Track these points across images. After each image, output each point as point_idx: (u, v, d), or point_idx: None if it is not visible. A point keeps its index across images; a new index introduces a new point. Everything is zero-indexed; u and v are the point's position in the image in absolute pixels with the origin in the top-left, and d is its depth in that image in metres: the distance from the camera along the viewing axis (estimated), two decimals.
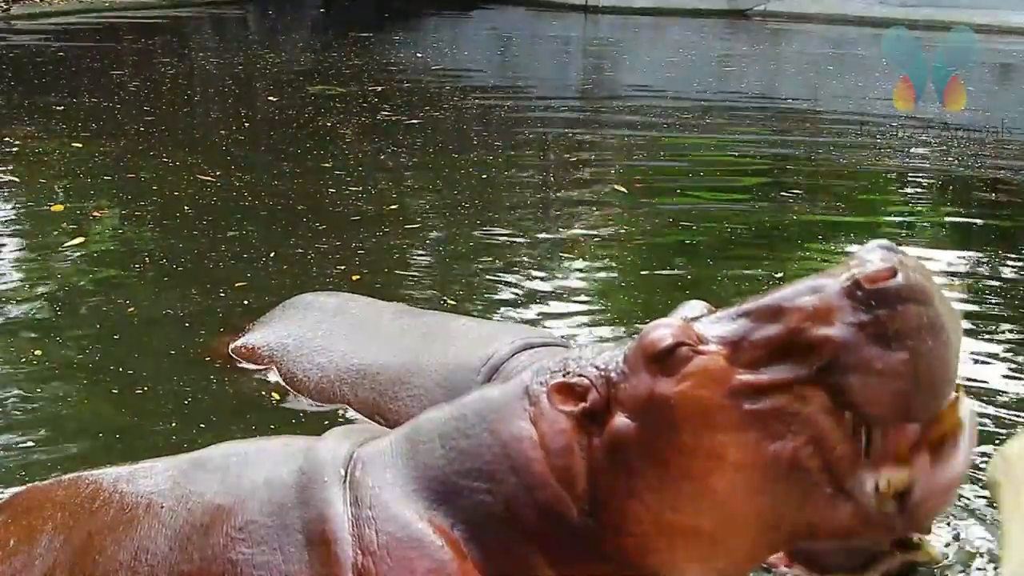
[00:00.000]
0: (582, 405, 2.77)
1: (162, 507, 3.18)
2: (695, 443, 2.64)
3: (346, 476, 3.03)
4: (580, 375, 2.81)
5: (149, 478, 3.30)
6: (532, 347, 4.40)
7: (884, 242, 2.66)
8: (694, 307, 2.90)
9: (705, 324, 2.73)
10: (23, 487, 3.74)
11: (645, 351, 2.71)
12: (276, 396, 4.89)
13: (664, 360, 2.67)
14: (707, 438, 2.63)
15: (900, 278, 2.55)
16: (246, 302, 6.02)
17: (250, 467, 3.18)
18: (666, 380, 2.67)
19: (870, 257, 2.62)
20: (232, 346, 5.27)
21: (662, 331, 2.70)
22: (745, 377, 2.63)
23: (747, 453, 2.61)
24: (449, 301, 6.18)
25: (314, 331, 5.00)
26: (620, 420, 2.73)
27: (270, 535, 3.00)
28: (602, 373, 2.79)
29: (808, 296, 2.63)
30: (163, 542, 3.12)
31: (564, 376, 2.84)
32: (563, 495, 2.78)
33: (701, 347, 2.67)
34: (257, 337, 5.22)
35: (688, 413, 2.64)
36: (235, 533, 3.03)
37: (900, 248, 2.64)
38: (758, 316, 2.67)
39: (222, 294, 6.22)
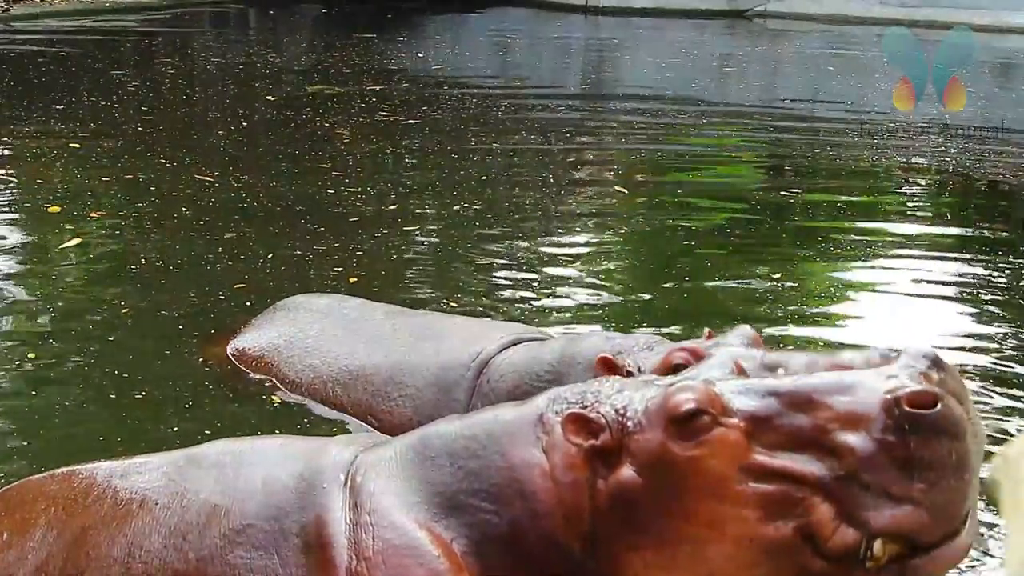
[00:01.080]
0: (592, 442, 2.75)
1: (156, 503, 3.17)
2: (697, 510, 2.63)
3: (346, 481, 3.01)
4: (597, 412, 2.78)
5: (143, 474, 3.29)
6: (521, 342, 4.41)
7: (931, 352, 2.60)
8: (724, 362, 2.86)
9: (732, 392, 2.69)
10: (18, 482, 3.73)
11: (668, 412, 2.68)
12: (276, 400, 4.87)
13: (684, 423, 2.65)
14: (710, 507, 2.62)
15: (940, 408, 2.50)
16: (246, 304, 5.98)
17: (246, 466, 3.17)
18: (682, 443, 2.65)
19: (913, 372, 2.55)
20: (225, 348, 5.25)
21: (687, 395, 2.67)
22: (760, 458, 2.61)
23: (746, 529, 2.60)
24: (450, 303, 6.15)
25: (306, 332, 4.99)
26: (627, 472, 2.71)
27: (268, 540, 2.99)
28: (619, 416, 2.76)
29: (843, 396, 2.58)
30: (157, 539, 3.11)
31: (581, 408, 2.81)
32: (567, 528, 2.77)
33: (723, 418, 2.64)
34: (249, 339, 5.20)
35: (697, 480, 2.63)
36: (233, 536, 3.02)
37: (943, 361, 2.59)
38: (788, 401, 2.63)
39: (220, 296, 6.19)
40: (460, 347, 4.44)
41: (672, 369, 3.72)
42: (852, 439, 2.54)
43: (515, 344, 4.40)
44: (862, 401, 2.55)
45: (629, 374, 3.79)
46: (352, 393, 4.64)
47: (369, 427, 4.54)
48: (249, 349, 5.14)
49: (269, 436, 3.52)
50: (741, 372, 2.86)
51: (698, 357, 3.71)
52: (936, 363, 2.57)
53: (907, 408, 2.50)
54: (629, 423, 2.73)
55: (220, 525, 3.05)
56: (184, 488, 3.18)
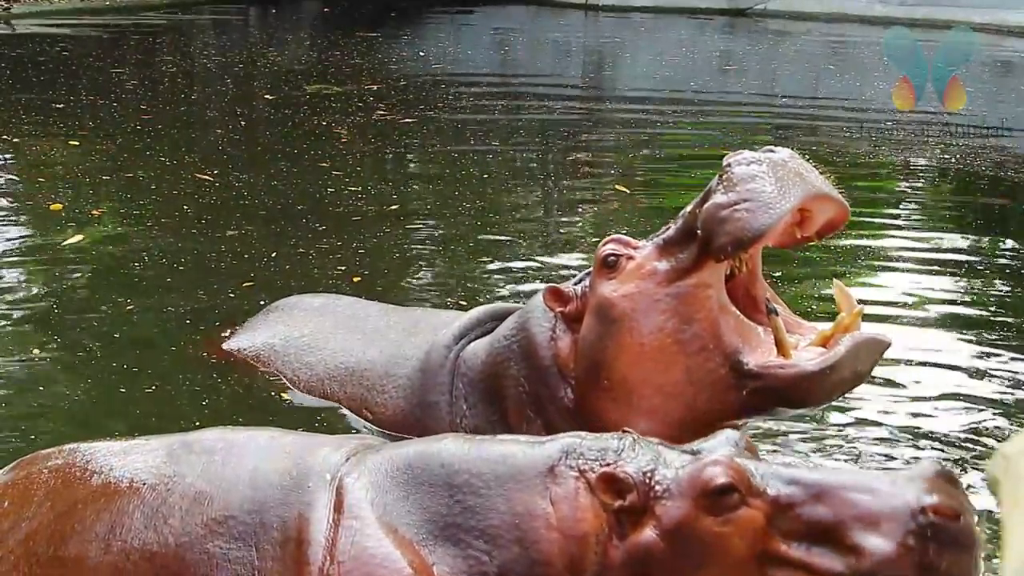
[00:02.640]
0: (620, 502, 2.78)
1: (144, 484, 3.23)
2: None
3: (333, 481, 3.04)
4: (624, 472, 2.80)
5: (139, 454, 3.36)
6: (496, 317, 4.47)
7: (946, 469, 2.68)
8: (732, 438, 2.88)
9: (758, 474, 2.74)
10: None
11: (702, 484, 2.72)
12: (285, 396, 4.87)
13: (716, 498, 2.70)
14: None
15: (963, 521, 2.59)
16: (259, 302, 5.88)
17: (236, 456, 3.21)
18: (709, 518, 2.71)
19: (933, 483, 2.62)
20: (221, 349, 5.25)
21: (721, 469, 2.72)
22: (781, 547, 2.67)
23: None
24: (457, 303, 6.14)
25: (300, 331, 5.02)
26: (649, 535, 2.76)
27: (247, 531, 3.04)
28: (647, 479, 2.79)
29: (866, 496, 2.64)
30: (140, 519, 3.16)
31: (604, 465, 2.84)
32: None
33: (750, 499, 2.69)
34: (244, 340, 5.21)
35: (719, 556, 2.69)
36: (214, 525, 3.07)
37: (956, 478, 2.69)
38: (813, 493, 2.69)
39: (229, 294, 6.19)
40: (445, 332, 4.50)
41: (602, 261, 3.96)
42: (874, 540, 2.59)
43: (490, 319, 4.47)
44: (886, 504, 2.61)
45: (570, 298, 4.05)
46: (348, 388, 4.68)
47: (365, 420, 4.57)
48: (245, 349, 5.16)
49: (265, 428, 3.53)
50: (751, 450, 2.89)
51: (626, 245, 3.98)
52: (951, 479, 2.66)
53: (935, 518, 2.57)
54: (657, 487, 2.77)
55: (202, 513, 3.10)
56: (173, 471, 3.23)
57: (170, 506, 3.15)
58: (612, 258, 3.95)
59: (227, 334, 5.38)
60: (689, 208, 3.89)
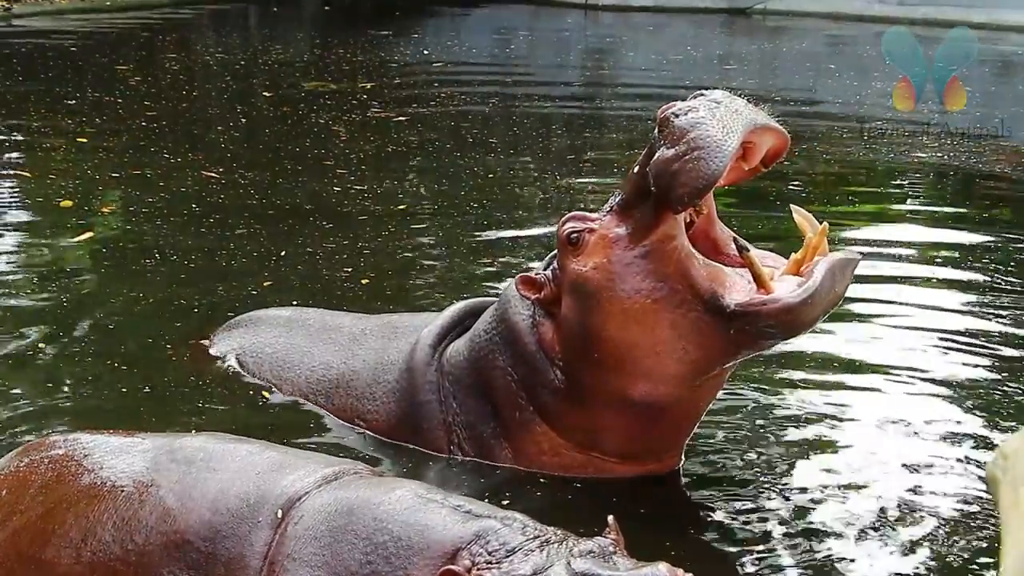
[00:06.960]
0: None
1: (122, 492, 3.26)
2: None
3: (283, 521, 3.05)
4: (484, 573, 2.71)
5: (129, 455, 3.38)
6: (474, 312, 4.48)
7: None
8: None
9: None
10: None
11: None
12: (286, 400, 4.86)
13: None
14: None
15: None
16: (269, 303, 5.92)
17: (209, 471, 3.23)
18: None
19: None
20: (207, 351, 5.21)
21: None
22: None
23: None
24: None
25: (272, 347, 4.95)
26: None
27: (200, 561, 3.07)
28: None
29: None
30: (110, 530, 3.19)
31: (488, 562, 2.74)
32: None
33: None
34: (214, 354, 5.14)
35: None
36: (173, 549, 3.10)
37: None
38: None
39: (241, 292, 6.21)
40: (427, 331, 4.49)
41: (566, 240, 4.00)
42: None
43: (469, 316, 4.47)
44: None
45: (543, 284, 4.09)
46: (335, 400, 4.64)
47: (359, 430, 4.55)
48: (218, 362, 5.10)
49: (249, 440, 3.50)
50: None
51: (583, 219, 4.02)
52: None
53: None
54: None
55: (165, 533, 3.13)
56: (151, 480, 3.25)
57: (139, 520, 3.17)
58: (575, 235, 4.00)
59: (199, 346, 5.31)
60: (635, 169, 3.95)
